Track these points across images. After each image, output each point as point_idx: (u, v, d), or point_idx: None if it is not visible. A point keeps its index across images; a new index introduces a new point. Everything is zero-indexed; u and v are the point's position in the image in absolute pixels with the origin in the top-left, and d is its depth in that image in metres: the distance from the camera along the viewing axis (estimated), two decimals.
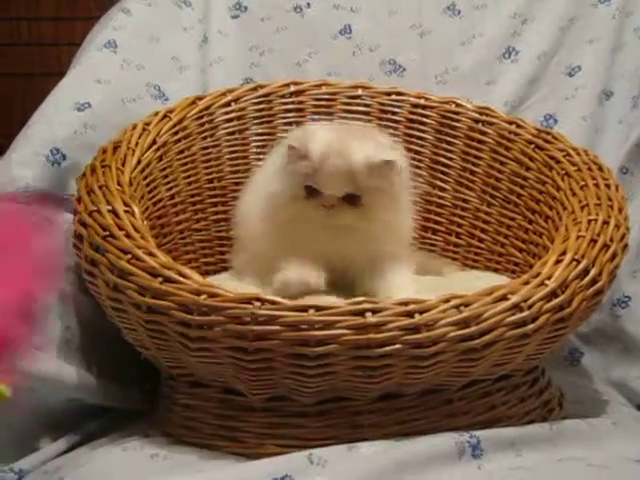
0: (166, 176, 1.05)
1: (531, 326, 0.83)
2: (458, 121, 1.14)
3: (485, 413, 0.89)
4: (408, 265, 0.95)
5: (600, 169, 1.02)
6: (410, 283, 0.92)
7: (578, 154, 1.04)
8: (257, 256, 0.97)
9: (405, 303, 0.81)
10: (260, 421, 0.87)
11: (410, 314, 0.80)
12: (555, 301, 0.84)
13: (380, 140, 0.94)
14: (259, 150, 1.15)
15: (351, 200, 0.88)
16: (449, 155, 1.15)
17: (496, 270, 1.11)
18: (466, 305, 0.81)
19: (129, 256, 0.85)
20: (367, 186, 0.88)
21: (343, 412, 0.86)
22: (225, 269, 1.11)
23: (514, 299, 0.83)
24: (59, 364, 0.89)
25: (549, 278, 0.85)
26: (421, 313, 0.80)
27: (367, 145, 0.89)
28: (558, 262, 0.87)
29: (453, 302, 0.81)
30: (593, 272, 0.88)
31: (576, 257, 0.88)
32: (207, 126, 1.11)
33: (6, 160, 1.09)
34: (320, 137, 0.90)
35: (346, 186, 0.88)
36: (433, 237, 1.16)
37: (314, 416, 0.86)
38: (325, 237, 0.89)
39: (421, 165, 1.16)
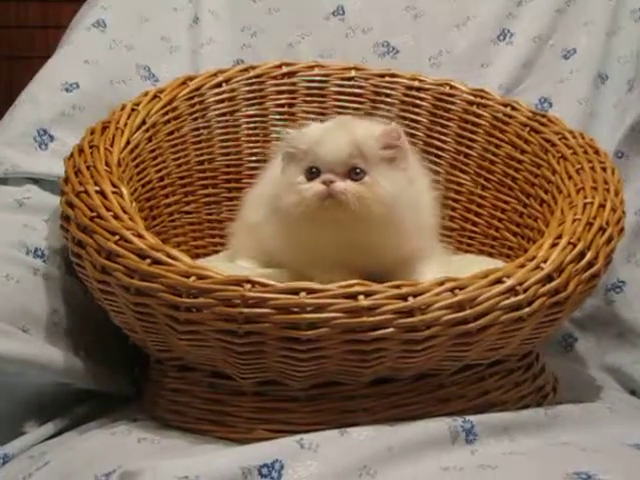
0: (155, 157, 1.04)
1: (526, 310, 0.81)
2: (452, 103, 1.13)
3: (479, 398, 0.87)
4: (435, 257, 0.91)
5: (596, 152, 1.01)
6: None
7: (574, 137, 1.03)
8: (264, 249, 0.94)
9: (398, 286, 0.79)
10: (250, 406, 0.85)
11: (404, 297, 0.79)
12: (551, 284, 0.83)
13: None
14: (250, 132, 1.14)
15: (353, 174, 0.85)
16: (443, 138, 1.13)
17: (490, 254, 1.10)
18: (461, 288, 0.80)
19: (117, 237, 0.83)
20: (373, 156, 0.85)
21: (335, 397, 0.84)
22: (215, 252, 1.10)
23: (509, 282, 0.81)
24: (46, 347, 0.88)
25: (545, 261, 0.84)
26: (415, 296, 0.79)
27: (368, 122, 0.89)
28: (554, 245, 0.86)
29: (447, 285, 0.80)
30: (589, 255, 0.87)
31: (572, 240, 0.87)
32: (198, 107, 1.09)
33: None
34: (315, 125, 0.89)
35: (350, 158, 0.85)
36: None
37: (305, 401, 0.84)
38: (327, 215, 0.84)
39: (415, 148, 1.14)
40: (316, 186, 0.85)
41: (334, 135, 0.87)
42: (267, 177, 1.00)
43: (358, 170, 0.85)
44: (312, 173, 0.86)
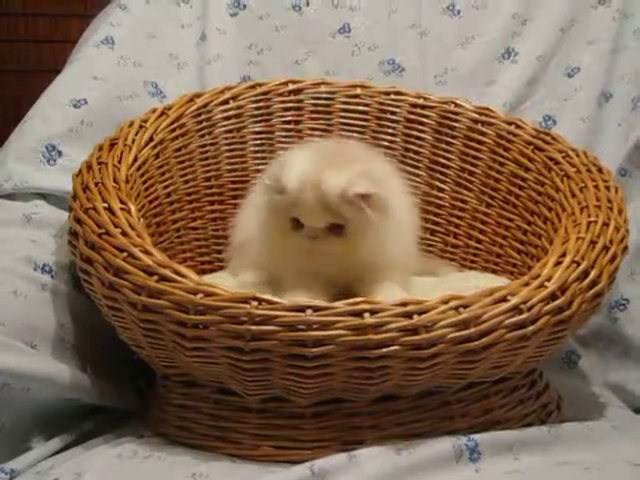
0: (163, 174, 1.05)
1: (531, 328, 0.82)
2: (457, 121, 1.14)
3: (483, 415, 0.88)
4: (401, 278, 0.93)
5: (600, 171, 1.02)
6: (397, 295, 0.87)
7: (577, 155, 1.04)
8: (255, 264, 0.97)
9: (404, 304, 0.80)
10: (256, 422, 0.86)
11: (409, 315, 0.79)
12: (555, 303, 0.84)
13: (360, 168, 0.88)
14: (257, 148, 1.14)
15: (334, 229, 0.87)
16: (448, 155, 1.14)
17: (494, 271, 1.10)
18: (465, 306, 0.81)
19: (125, 254, 0.84)
20: (346, 217, 0.86)
21: (340, 414, 0.85)
22: (221, 268, 1.11)
23: (514, 300, 0.82)
24: (53, 363, 0.88)
25: (549, 280, 0.85)
26: (420, 314, 0.79)
27: (342, 175, 0.86)
28: (558, 264, 0.87)
29: (452, 303, 0.81)
30: (593, 274, 0.87)
31: (576, 259, 0.87)
32: (205, 124, 1.10)
33: (1, 156, 1.08)
34: (294, 170, 0.87)
35: (326, 217, 0.86)
36: (431, 238, 1.15)
37: (311, 417, 0.85)
38: (315, 261, 0.88)
39: (419, 165, 1.15)
40: (302, 242, 0.87)
41: (306, 199, 0.86)
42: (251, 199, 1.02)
43: (337, 225, 0.87)
44: (297, 221, 0.88)
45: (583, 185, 0.99)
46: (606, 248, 0.90)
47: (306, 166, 0.88)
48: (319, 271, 0.89)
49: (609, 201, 0.96)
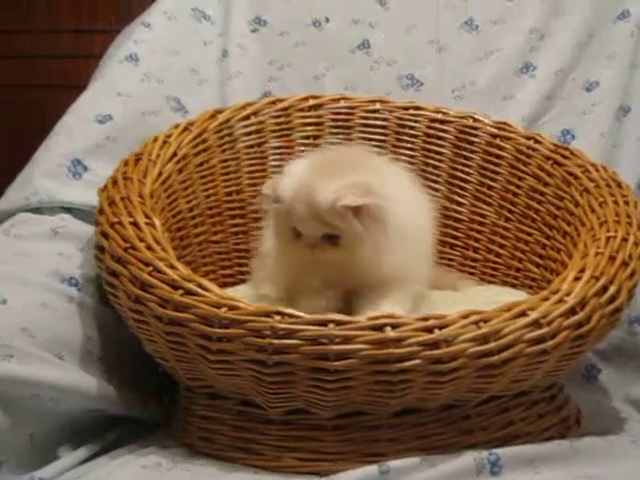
0: (186, 188, 1.06)
1: (550, 343, 0.83)
2: (476, 136, 1.15)
3: (503, 429, 0.88)
4: (405, 290, 0.92)
5: (619, 186, 1.02)
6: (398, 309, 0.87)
7: (597, 170, 1.05)
8: (272, 277, 0.98)
9: (425, 318, 0.81)
10: (278, 434, 0.87)
11: (429, 329, 0.80)
12: (574, 318, 0.84)
13: (356, 178, 0.87)
14: (277, 163, 1.16)
15: (330, 239, 0.87)
16: (467, 170, 1.15)
17: (513, 285, 1.11)
18: (485, 321, 0.82)
19: (150, 268, 0.86)
20: (338, 227, 0.86)
21: (361, 426, 0.86)
22: (243, 281, 1.12)
23: (533, 315, 0.83)
24: (80, 374, 0.90)
25: (568, 294, 0.85)
26: (440, 328, 0.80)
27: (334, 187, 0.85)
28: (577, 279, 0.87)
29: (472, 318, 0.82)
30: (612, 289, 0.88)
31: (595, 274, 0.88)
32: (227, 139, 1.12)
33: (28, 171, 1.11)
34: (289, 180, 0.88)
35: (320, 227, 0.86)
36: (451, 252, 1.16)
37: (332, 430, 0.86)
38: (316, 269, 0.89)
39: (439, 180, 1.16)
40: (302, 251, 0.88)
41: (300, 210, 0.86)
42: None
43: (333, 235, 0.87)
44: (297, 231, 0.88)
45: (602, 200, 1.00)
46: (625, 263, 0.91)
47: (302, 176, 0.88)
48: (323, 279, 0.89)
49: (628, 216, 0.97)
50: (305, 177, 0.88)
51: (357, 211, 0.86)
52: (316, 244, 0.87)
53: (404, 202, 0.93)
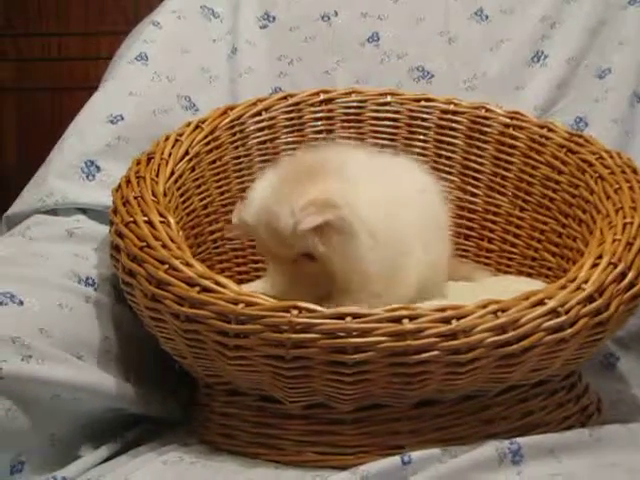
0: (199, 186, 1.07)
1: (569, 331, 0.82)
2: (489, 126, 1.14)
3: (523, 419, 0.88)
4: (385, 289, 0.88)
5: (634, 172, 1.01)
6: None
7: (611, 157, 1.04)
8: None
9: (442, 309, 0.81)
10: (298, 429, 0.87)
11: (447, 320, 0.80)
12: (592, 305, 0.84)
13: (316, 192, 0.83)
14: None
15: (307, 255, 0.85)
16: (480, 160, 1.15)
17: (529, 275, 1.10)
18: (503, 310, 0.81)
19: (166, 266, 0.86)
20: (308, 241, 0.83)
21: (381, 419, 0.86)
22: (259, 277, 1.12)
23: (551, 304, 0.82)
24: (99, 374, 0.90)
25: (586, 282, 0.85)
26: (458, 319, 0.80)
27: (293, 208, 0.82)
28: (594, 266, 0.87)
29: (490, 308, 0.81)
30: (630, 276, 0.87)
31: (613, 261, 0.87)
32: (238, 136, 1.12)
33: (42, 173, 1.11)
34: (250, 209, 0.86)
35: (290, 250, 0.85)
36: (465, 242, 1.16)
37: (352, 423, 0.86)
38: (302, 282, 0.88)
39: (452, 171, 1.16)
40: (284, 268, 0.88)
41: (266, 238, 0.85)
42: None
43: (305, 254, 0.85)
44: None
45: (618, 187, 0.99)
46: None
47: (262, 201, 0.86)
48: (314, 290, 0.87)
49: None
50: (265, 202, 0.85)
51: (319, 229, 0.83)
52: (295, 260, 0.86)
53: (380, 203, 0.88)
